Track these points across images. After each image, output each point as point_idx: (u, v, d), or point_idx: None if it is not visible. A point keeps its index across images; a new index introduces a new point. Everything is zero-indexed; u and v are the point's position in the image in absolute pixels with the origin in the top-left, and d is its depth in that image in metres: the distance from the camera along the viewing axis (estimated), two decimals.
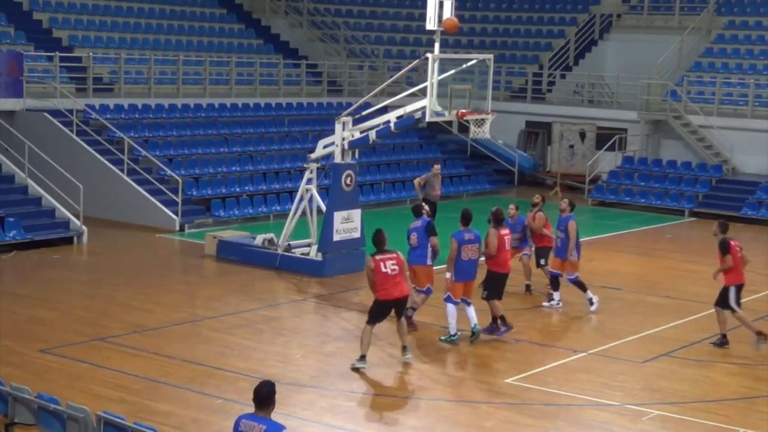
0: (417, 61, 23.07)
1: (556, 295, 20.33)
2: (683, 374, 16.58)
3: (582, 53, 42.32)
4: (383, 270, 15.96)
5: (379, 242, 16.33)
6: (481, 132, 21.79)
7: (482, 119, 21.58)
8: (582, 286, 20.15)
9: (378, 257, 16.08)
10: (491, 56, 22.01)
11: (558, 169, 37.72)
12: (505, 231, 18.32)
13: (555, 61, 41.80)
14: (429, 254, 18.50)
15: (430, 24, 21.33)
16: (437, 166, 26.84)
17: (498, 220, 18.29)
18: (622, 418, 14.51)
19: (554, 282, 20.30)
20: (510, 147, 38.34)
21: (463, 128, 30.96)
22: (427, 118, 21.35)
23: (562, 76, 41.19)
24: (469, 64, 21.75)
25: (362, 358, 16.09)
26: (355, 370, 15.97)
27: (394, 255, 16.21)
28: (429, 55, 21.24)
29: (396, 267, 16.05)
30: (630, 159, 36.55)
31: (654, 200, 34.44)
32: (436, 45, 21.63)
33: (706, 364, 17.12)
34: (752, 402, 15.26)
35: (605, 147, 37.04)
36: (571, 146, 38.26)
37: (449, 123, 32.54)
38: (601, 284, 20.88)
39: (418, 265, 18.46)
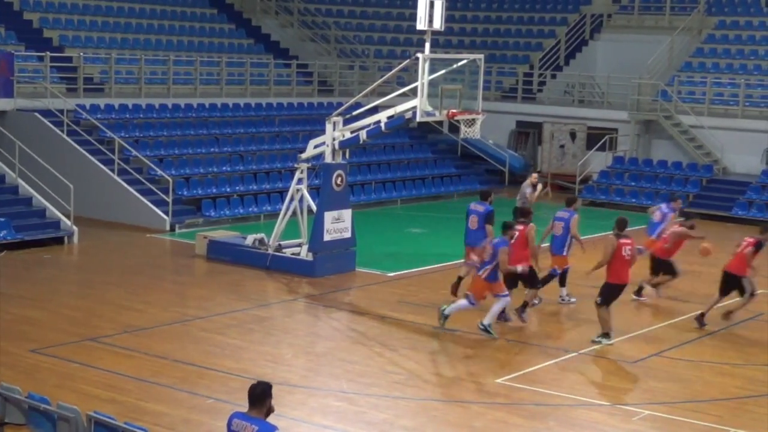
0: (407, 61, 23.08)
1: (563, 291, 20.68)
2: (674, 374, 16.59)
3: (573, 53, 42.36)
4: (622, 253, 17.29)
5: (622, 225, 17.69)
6: (472, 132, 21.81)
7: (473, 119, 21.59)
8: (562, 282, 20.58)
9: (621, 240, 17.22)
10: (482, 56, 22.02)
11: (549, 169, 37.74)
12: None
13: (546, 60, 41.81)
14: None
15: (421, 24, 21.32)
16: (535, 174, 25.70)
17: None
18: (613, 418, 14.52)
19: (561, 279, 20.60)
20: (500, 147, 38.35)
21: (454, 128, 30.93)
22: (418, 118, 21.35)
23: (553, 76, 41.22)
24: (460, 64, 21.76)
25: (606, 335, 17.67)
26: (596, 342, 17.59)
27: (631, 241, 17.51)
28: (419, 55, 21.24)
29: (630, 253, 17.37)
30: (621, 159, 36.59)
31: (645, 200, 34.43)
32: (427, 45, 21.63)
33: (697, 364, 17.14)
34: (743, 402, 15.29)
35: (596, 147, 37.08)
36: (562, 146, 38.29)
37: (440, 123, 32.50)
38: (591, 284, 20.84)
39: (473, 246, 19.68)
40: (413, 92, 21.58)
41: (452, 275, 21.33)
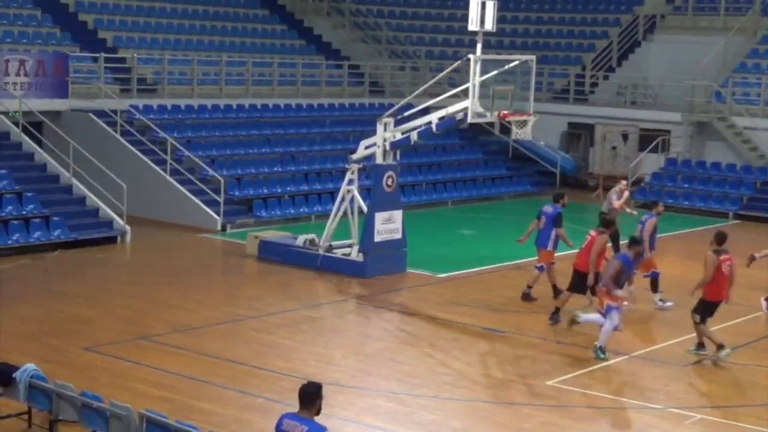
0: (459, 62, 23.04)
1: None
2: (727, 378, 16.44)
3: (625, 54, 42.07)
4: (722, 270, 16.79)
5: (721, 240, 17.13)
6: (523, 133, 21.76)
7: (524, 120, 21.55)
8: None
9: (721, 257, 16.79)
10: (533, 57, 21.96)
11: (600, 170, 37.50)
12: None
13: (598, 62, 41.59)
14: (551, 239, 20.30)
15: (472, 25, 21.28)
16: (624, 182, 25.04)
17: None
18: (664, 421, 14.40)
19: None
20: (552, 148, 38.19)
21: (505, 129, 30.83)
22: (469, 119, 21.33)
23: (605, 77, 40.97)
24: (512, 65, 21.70)
25: (701, 345, 17.37)
26: (693, 352, 17.35)
27: (730, 257, 16.99)
28: (471, 56, 21.20)
29: (729, 268, 16.88)
30: (673, 161, 36.28)
31: (698, 202, 34.18)
32: (479, 46, 21.57)
33: (751, 368, 16.96)
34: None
35: (648, 149, 36.80)
36: (614, 148, 38.05)
37: (491, 124, 32.48)
38: (644, 287, 20.72)
39: (542, 248, 20.42)
40: (464, 93, 21.54)
41: (503, 276, 21.28)
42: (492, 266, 23.98)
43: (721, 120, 35.98)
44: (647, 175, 36.25)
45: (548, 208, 20.70)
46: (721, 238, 17.22)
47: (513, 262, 24.19)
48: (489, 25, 21.25)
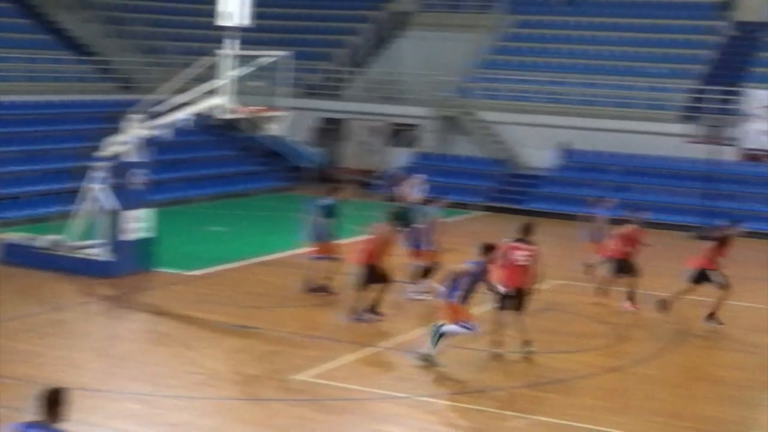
0: (211, 57, 22.85)
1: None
2: (472, 364, 16.93)
3: (377, 50, 42.77)
4: (513, 257, 17.05)
5: (526, 231, 17.48)
6: (275, 129, 21.85)
7: (276, 116, 21.59)
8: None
9: (517, 245, 17.26)
10: (286, 53, 22.01)
11: (352, 165, 38.02)
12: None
13: (350, 58, 42.09)
14: (320, 233, 20.62)
15: (223, 20, 21.16)
16: (418, 175, 26.53)
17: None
18: (411, 409, 14.70)
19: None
20: (303, 144, 38.42)
21: (256, 126, 30.79)
22: (221, 116, 21.21)
23: (357, 73, 41.53)
24: (264, 61, 21.69)
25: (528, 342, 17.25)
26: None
27: (528, 247, 17.24)
28: (223, 51, 21.06)
29: (525, 258, 17.10)
30: (423, 155, 37.14)
31: (447, 195, 35.03)
32: (231, 42, 21.45)
33: (493, 354, 17.49)
34: (531, 388, 15.69)
35: (399, 143, 37.54)
36: (365, 143, 38.62)
37: (243, 120, 32.35)
38: (396, 279, 21.11)
39: (314, 241, 20.85)
40: (217, 90, 21.39)
41: (254, 273, 21.22)
42: (244, 262, 23.90)
43: (467, 114, 37.07)
44: (397, 169, 36.93)
45: (321, 201, 20.97)
46: (525, 229, 17.65)
47: (264, 258, 24.20)
48: (243, 20, 21.18)
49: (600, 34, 40.16)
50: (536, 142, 36.22)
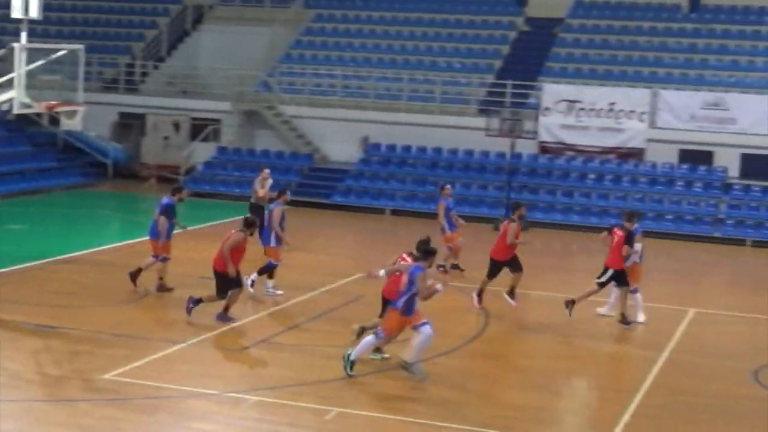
0: (2, 50, 22.15)
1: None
2: (281, 359, 16.94)
3: (175, 44, 42.24)
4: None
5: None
6: (73, 124, 21.41)
7: (73, 111, 21.13)
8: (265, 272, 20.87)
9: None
10: (82, 47, 21.60)
11: (153, 160, 37.47)
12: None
13: (148, 51, 41.44)
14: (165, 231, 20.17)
15: (16, 12, 20.53)
16: (267, 170, 26.22)
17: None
18: (222, 406, 14.61)
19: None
20: (103, 139, 37.63)
21: (54, 120, 30.03)
22: (15, 110, 20.61)
23: (155, 67, 40.93)
24: (59, 54, 21.19)
25: None
26: None
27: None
28: (15, 44, 20.45)
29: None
30: (224, 149, 36.90)
31: (248, 190, 34.90)
32: (23, 34, 20.85)
33: (302, 348, 17.57)
34: (346, 382, 15.80)
35: (200, 138, 37.21)
36: (166, 137, 38.12)
37: (39, 115, 31.46)
38: (200, 274, 20.90)
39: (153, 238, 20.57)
40: (9, 83, 20.75)
41: (54, 271, 20.64)
42: (43, 261, 23.24)
43: (269, 109, 37.03)
44: (199, 164, 36.61)
45: (163, 199, 20.69)
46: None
47: (67, 256, 23.61)
48: (34, 12, 20.61)
49: (403, 29, 40.72)
50: (340, 136, 36.46)
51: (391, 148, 36.05)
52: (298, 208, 33.02)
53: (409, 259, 16.46)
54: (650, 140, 34.38)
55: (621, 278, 19.69)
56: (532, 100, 35.94)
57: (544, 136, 35.05)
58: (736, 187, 33.32)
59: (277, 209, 20.88)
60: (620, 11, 39.96)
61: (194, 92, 39.78)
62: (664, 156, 34.28)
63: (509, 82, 36.16)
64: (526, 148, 34.45)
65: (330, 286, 22.10)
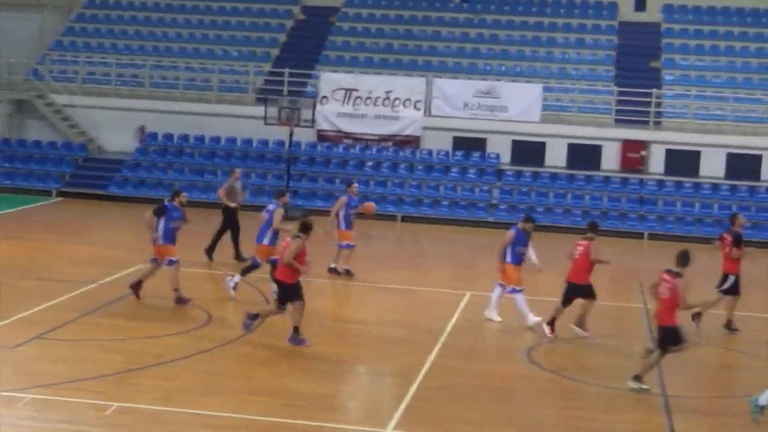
0: None
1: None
2: (57, 355, 16.47)
3: None
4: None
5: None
6: None
7: None
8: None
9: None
10: None
11: None
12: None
13: None
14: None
15: None
16: (238, 170, 25.52)
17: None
18: None
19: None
20: None
21: None
22: None
23: None
24: None
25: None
26: None
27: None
28: None
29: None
30: None
31: (20, 181, 33.89)
32: None
33: (79, 343, 17.15)
34: (126, 375, 15.53)
35: None
36: None
37: None
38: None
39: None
40: None
41: None
42: None
43: (40, 98, 35.93)
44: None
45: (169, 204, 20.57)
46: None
47: None
48: None
49: (179, 16, 40.26)
50: (115, 125, 35.72)
51: (169, 137, 35.55)
52: (73, 199, 32.20)
53: None
54: (426, 128, 35.06)
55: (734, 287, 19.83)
56: (309, 89, 36.08)
57: (322, 125, 35.25)
58: (509, 173, 34.35)
59: (278, 211, 20.63)
60: (395, 1, 40.57)
61: None
62: (439, 143, 35.03)
63: (287, 70, 36.21)
64: (305, 136, 34.60)
65: (107, 279, 21.65)
